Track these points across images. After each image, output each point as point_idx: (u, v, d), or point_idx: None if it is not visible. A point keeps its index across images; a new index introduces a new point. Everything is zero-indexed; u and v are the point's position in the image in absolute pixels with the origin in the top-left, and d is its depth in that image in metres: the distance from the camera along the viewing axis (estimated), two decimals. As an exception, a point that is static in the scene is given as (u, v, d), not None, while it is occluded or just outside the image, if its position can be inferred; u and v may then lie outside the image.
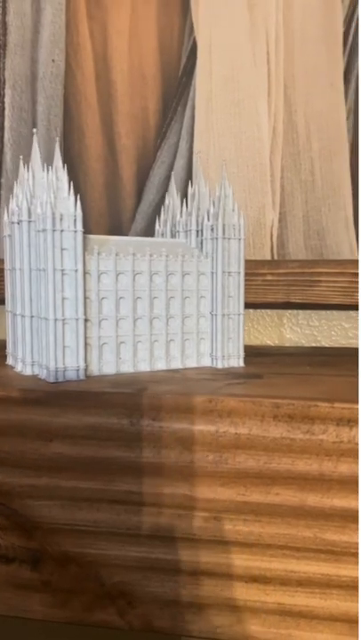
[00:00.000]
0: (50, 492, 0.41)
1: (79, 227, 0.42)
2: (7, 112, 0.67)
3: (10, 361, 0.51)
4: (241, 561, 0.39)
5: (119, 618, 0.41)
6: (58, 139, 0.47)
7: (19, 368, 0.47)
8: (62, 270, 0.42)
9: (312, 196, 0.62)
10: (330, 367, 0.54)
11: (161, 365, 0.48)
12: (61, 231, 0.42)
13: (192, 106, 0.64)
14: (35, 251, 0.45)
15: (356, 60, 0.61)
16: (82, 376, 0.43)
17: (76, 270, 0.43)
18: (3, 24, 0.67)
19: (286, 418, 0.38)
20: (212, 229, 0.49)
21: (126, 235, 0.66)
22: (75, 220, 0.42)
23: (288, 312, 0.64)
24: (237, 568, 0.39)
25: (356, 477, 0.37)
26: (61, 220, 0.42)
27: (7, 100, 0.67)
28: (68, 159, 0.66)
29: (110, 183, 0.66)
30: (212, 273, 0.49)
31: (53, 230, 0.42)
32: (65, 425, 0.41)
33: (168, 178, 0.65)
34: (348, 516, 0.37)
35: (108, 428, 0.41)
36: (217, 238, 0.48)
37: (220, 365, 0.49)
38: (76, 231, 0.42)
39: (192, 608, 0.41)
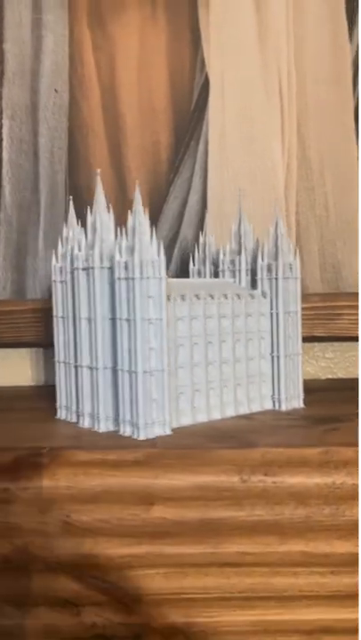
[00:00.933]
0: (152, 560, 0.38)
1: (163, 273, 0.40)
2: (5, 144, 0.63)
3: (64, 415, 0.47)
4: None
5: None
6: (137, 182, 0.44)
7: (87, 424, 0.43)
8: (149, 320, 0.39)
9: (327, 230, 0.63)
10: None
11: (230, 412, 0.46)
12: (147, 278, 0.39)
13: (205, 141, 0.63)
14: (108, 299, 0.42)
15: (365, 100, 0.63)
16: (168, 430, 0.41)
17: (161, 319, 0.40)
18: (1, 51, 0.62)
19: None
20: (268, 269, 0.48)
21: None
22: (159, 267, 0.40)
23: (305, 345, 0.64)
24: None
25: None
26: (146, 266, 0.40)
27: (5, 130, 0.63)
28: (77, 193, 0.63)
29: (122, 219, 0.63)
30: (273, 313, 0.48)
31: (141, 278, 0.39)
32: (168, 487, 0.38)
33: (181, 214, 0.63)
34: None
35: (217, 486, 0.38)
36: (277, 278, 0.47)
37: (283, 408, 0.48)
38: (160, 278, 0.40)
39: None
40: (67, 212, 0.62)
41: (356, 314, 0.61)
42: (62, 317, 0.46)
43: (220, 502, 0.38)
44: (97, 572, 0.38)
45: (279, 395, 0.48)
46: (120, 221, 0.63)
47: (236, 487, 0.38)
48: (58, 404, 0.47)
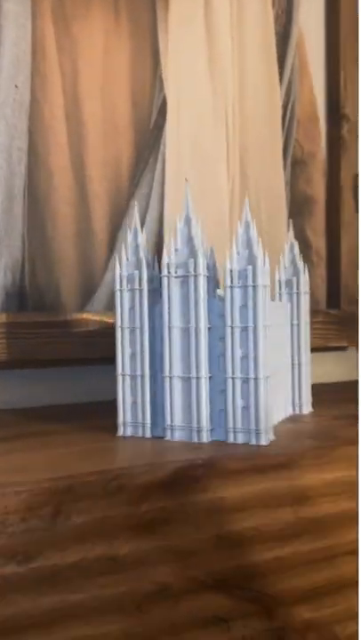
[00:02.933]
0: (291, 560, 0.39)
1: (268, 281, 0.41)
2: None
3: (130, 431, 0.44)
4: None
5: None
6: (246, 197, 0.42)
7: (178, 437, 0.41)
8: (265, 326, 0.40)
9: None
10: None
11: (280, 415, 0.48)
12: (265, 287, 0.40)
13: (163, 159, 0.64)
14: (206, 307, 0.41)
15: (291, 141, 0.71)
16: (272, 436, 0.41)
17: (270, 326, 0.41)
18: None
19: None
20: (288, 284, 0.52)
21: (99, 284, 0.60)
22: (268, 276, 0.41)
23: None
24: None
25: None
26: (264, 275, 0.40)
27: None
28: (34, 199, 0.57)
29: (82, 230, 0.60)
30: (294, 324, 0.52)
31: (264, 286, 0.39)
32: (306, 486, 0.39)
33: (156, 242, 0.63)
34: None
35: (342, 481, 0.40)
36: (298, 293, 0.51)
37: (305, 412, 0.52)
38: (266, 286, 0.41)
39: None
40: (25, 220, 0.57)
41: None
42: (131, 328, 0.43)
43: (343, 495, 0.40)
44: (244, 583, 0.37)
45: (300, 400, 0.52)
46: (82, 231, 0.61)
47: (354, 481, 0.41)
48: (121, 420, 0.43)
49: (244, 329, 0.40)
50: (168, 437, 0.42)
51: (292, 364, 0.52)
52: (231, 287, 0.40)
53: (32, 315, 0.57)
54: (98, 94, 0.61)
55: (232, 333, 0.40)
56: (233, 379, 0.40)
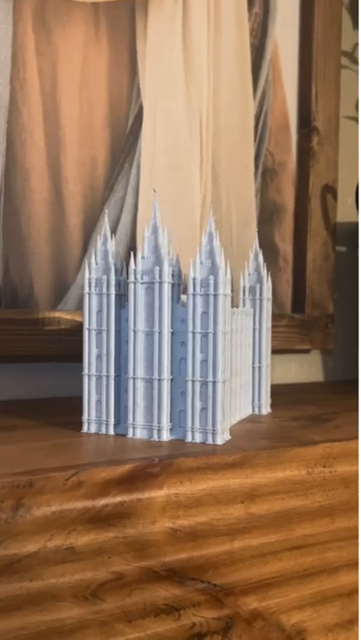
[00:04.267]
0: (241, 554, 0.41)
1: (229, 290, 0.43)
2: None
3: (95, 428, 0.45)
4: None
5: None
6: (211, 208, 0.44)
7: (139, 435, 0.43)
8: (224, 333, 0.42)
9: (230, 257, 0.70)
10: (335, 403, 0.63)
11: (240, 416, 0.50)
12: (225, 296, 0.42)
13: (137, 164, 0.65)
14: (170, 313, 0.43)
15: (262, 150, 0.72)
16: (227, 436, 0.43)
17: (229, 332, 0.43)
18: None
19: None
20: (251, 291, 0.54)
21: (71, 284, 0.62)
22: (229, 286, 0.43)
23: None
24: None
25: None
26: (225, 285, 0.42)
27: None
28: (10, 199, 0.58)
29: (56, 229, 0.61)
30: (255, 329, 0.53)
31: (224, 295, 0.41)
32: (257, 484, 0.41)
33: (114, 230, 0.64)
34: None
35: (291, 480, 0.42)
36: (261, 299, 0.53)
37: (264, 412, 0.54)
38: (230, 295, 0.43)
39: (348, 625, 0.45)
40: (0, 218, 0.58)
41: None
42: (97, 330, 0.44)
43: (292, 494, 0.42)
44: (195, 574, 0.39)
45: (260, 401, 0.54)
46: (56, 230, 0.61)
47: (304, 479, 0.43)
48: (85, 417, 0.45)
49: (205, 335, 0.42)
50: (130, 435, 0.43)
51: (253, 367, 0.54)
52: (193, 295, 0.42)
53: (4, 312, 0.59)
54: (76, 97, 0.62)
55: (193, 338, 0.42)
56: (193, 381, 0.42)
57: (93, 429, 0.45)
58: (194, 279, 0.42)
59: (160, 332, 0.42)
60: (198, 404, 0.42)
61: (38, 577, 0.34)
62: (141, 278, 0.43)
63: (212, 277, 0.41)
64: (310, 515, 0.43)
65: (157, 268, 0.42)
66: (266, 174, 0.73)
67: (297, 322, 0.74)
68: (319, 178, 0.75)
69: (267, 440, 0.45)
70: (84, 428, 0.45)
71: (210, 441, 0.42)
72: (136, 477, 0.37)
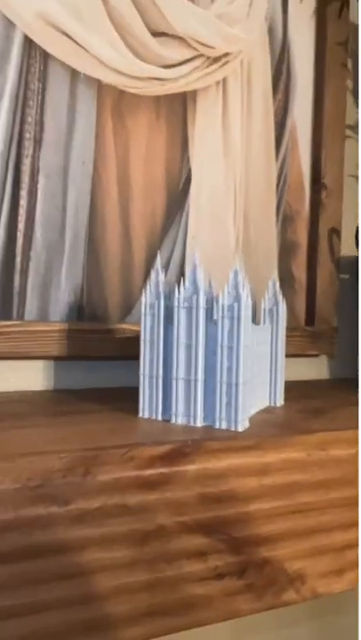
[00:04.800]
0: (255, 515, 0.40)
1: (249, 313, 0.42)
2: (40, 196, 0.57)
3: (147, 414, 0.45)
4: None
5: (296, 594, 0.42)
6: (236, 255, 0.44)
7: (181, 421, 0.43)
8: (245, 346, 0.41)
9: (257, 284, 0.69)
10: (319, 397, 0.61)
11: (258, 407, 0.49)
12: (246, 318, 0.41)
13: (187, 215, 0.65)
14: (205, 330, 0.42)
15: (283, 202, 0.71)
16: (248, 424, 0.43)
17: (248, 346, 0.42)
18: (40, 123, 0.57)
19: None
20: (270, 312, 0.53)
21: (135, 304, 0.62)
22: (250, 310, 0.42)
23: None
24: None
25: None
26: (246, 310, 0.42)
27: (40, 185, 0.57)
28: (93, 244, 0.60)
29: (125, 263, 0.62)
30: (273, 341, 0.53)
31: (245, 317, 0.41)
32: (267, 462, 0.40)
33: (167, 265, 0.64)
34: None
35: (294, 460, 0.41)
36: (278, 319, 0.52)
37: (278, 404, 0.53)
38: (248, 317, 0.42)
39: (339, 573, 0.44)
40: (85, 255, 0.60)
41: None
42: (150, 341, 0.45)
43: (294, 470, 0.41)
44: (221, 528, 0.39)
45: (275, 395, 0.53)
46: (125, 264, 0.62)
47: (305, 459, 0.42)
48: (141, 405, 0.45)
49: (230, 347, 0.41)
50: (173, 421, 0.43)
51: (270, 369, 0.53)
52: (222, 317, 0.42)
53: (87, 324, 0.60)
54: (142, 167, 0.63)
55: (221, 350, 0.42)
56: (220, 383, 0.42)
57: (147, 415, 0.45)
58: (223, 305, 0.42)
59: (196, 345, 0.42)
60: (225, 400, 0.42)
61: (101, 525, 0.35)
62: (183, 304, 0.43)
63: (236, 304, 0.41)
64: (309, 487, 0.42)
65: (195, 297, 0.42)
66: (285, 220, 0.72)
67: (308, 333, 0.72)
68: (326, 223, 0.73)
69: (276, 428, 0.44)
70: (140, 414, 0.46)
71: (233, 428, 0.41)
72: (174, 455, 0.37)
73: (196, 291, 0.43)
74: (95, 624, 0.35)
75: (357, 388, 0.68)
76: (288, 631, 0.78)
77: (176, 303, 0.43)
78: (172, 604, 0.37)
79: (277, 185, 0.71)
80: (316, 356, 0.76)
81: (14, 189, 0.56)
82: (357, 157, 0.77)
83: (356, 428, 0.44)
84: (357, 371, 0.77)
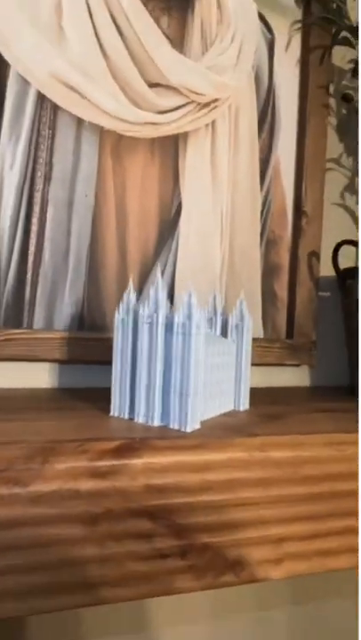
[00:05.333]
0: (198, 506, 0.41)
1: (202, 330, 0.43)
2: (48, 224, 0.61)
3: (117, 413, 0.46)
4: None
5: (236, 578, 0.42)
6: (191, 288, 0.46)
7: (141, 420, 0.44)
8: (196, 359, 0.42)
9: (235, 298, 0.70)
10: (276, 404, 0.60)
11: (219, 411, 0.50)
12: (198, 335, 0.42)
13: (177, 240, 0.67)
14: (164, 343, 0.44)
15: (267, 228, 0.71)
16: (197, 426, 0.44)
17: (201, 359, 0.43)
18: (50, 164, 0.60)
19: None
20: (236, 327, 0.54)
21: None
22: (203, 327, 0.43)
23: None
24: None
25: None
26: (198, 327, 0.43)
27: (49, 215, 0.61)
28: (94, 265, 0.62)
29: (120, 282, 0.64)
30: (239, 351, 0.53)
31: (197, 334, 0.42)
32: (210, 460, 0.41)
33: (169, 292, 0.66)
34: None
35: (236, 459, 0.42)
36: (243, 331, 0.53)
37: (242, 408, 0.53)
38: (198, 334, 0.43)
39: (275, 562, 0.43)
40: (86, 274, 0.62)
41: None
42: (121, 350, 0.46)
43: (236, 468, 0.42)
44: (165, 515, 0.40)
45: (239, 400, 0.53)
46: (120, 282, 0.64)
47: (247, 459, 0.42)
48: (112, 405, 0.47)
49: (183, 359, 0.42)
50: (136, 420, 0.45)
51: (236, 377, 0.53)
52: (177, 333, 0.43)
53: (86, 333, 0.62)
54: (137, 199, 0.65)
55: (175, 362, 0.43)
56: (174, 390, 0.43)
57: (116, 414, 0.47)
58: (177, 323, 0.43)
59: (156, 355, 0.44)
60: (177, 404, 0.43)
61: (56, 506, 0.37)
62: (146, 320, 0.45)
63: (187, 322, 0.42)
64: (250, 484, 0.42)
65: (155, 314, 0.44)
66: (269, 244, 0.72)
67: (288, 345, 0.72)
68: (307, 247, 0.72)
69: (226, 431, 0.44)
70: (111, 412, 0.47)
71: (183, 429, 0.42)
72: (123, 449, 0.38)
73: (156, 309, 0.44)
74: (50, 589, 0.37)
75: (333, 395, 0.67)
76: (268, 613, 0.77)
77: (142, 319, 0.45)
78: (119, 577, 0.38)
79: (262, 213, 0.71)
80: (297, 365, 0.75)
81: (27, 217, 0.60)
82: (338, 186, 0.76)
83: (301, 433, 0.44)
84: (337, 379, 0.76)
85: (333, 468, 0.44)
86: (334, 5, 0.66)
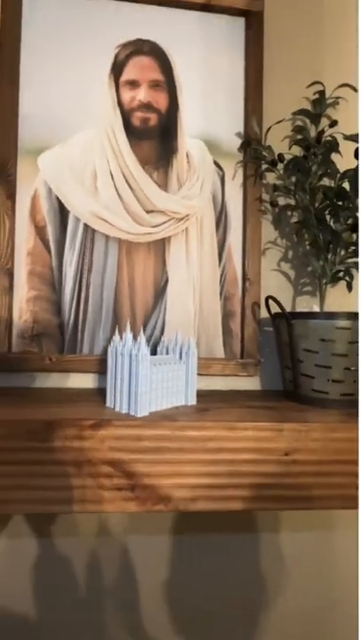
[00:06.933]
0: (140, 461, 0.47)
1: (148, 357, 0.51)
2: (90, 293, 0.73)
3: (111, 405, 0.54)
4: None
5: (165, 507, 0.47)
6: (141, 331, 0.55)
7: (118, 409, 0.53)
8: (144, 374, 0.50)
9: (207, 338, 0.76)
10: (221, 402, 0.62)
11: (172, 404, 0.56)
12: (144, 361, 0.51)
13: (165, 301, 0.75)
14: (128, 364, 0.52)
15: (224, 291, 0.77)
16: (146, 413, 0.51)
17: (148, 374, 0.51)
18: (90, 263, 0.74)
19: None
20: (187, 353, 0.60)
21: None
22: (147, 356, 0.51)
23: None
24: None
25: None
26: (144, 358, 0.51)
27: (90, 289, 0.73)
28: (116, 316, 0.73)
29: (132, 324, 0.74)
30: (187, 368, 0.60)
31: (143, 360, 0.50)
32: (145, 434, 0.48)
33: (154, 328, 0.75)
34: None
35: (162, 434, 0.48)
36: (189, 355, 0.60)
37: (189, 404, 0.59)
38: (144, 359, 0.51)
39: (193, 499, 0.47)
40: (112, 322, 0.73)
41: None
42: (112, 369, 0.56)
43: (163, 440, 0.48)
44: (122, 465, 0.47)
45: (187, 397, 0.59)
46: (132, 324, 0.74)
47: (170, 435, 0.48)
48: (107, 400, 0.56)
49: (135, 375, 0.51)
50: (118, 409, 0.53)
51: (185, 383, 0.59)
52: (130, 356, 0.51)
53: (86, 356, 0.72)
54: (141, 277, 0.75)
55: (130, 376, 0.51)
56: (132, 391, 0.51)
57: (109, 405, 0.56)
58: (134, 354, 0.51)
59: (124, 372, 0.52)
60: (133, 400, 0.51)
61: (56, 455, 0.45)
62: (122, 351, 0.54)
63: (138, 353, 0.51)
64: (172, 450, 0.47)
65: (124, 348, 0.53)
66: (226, 299, 0.77)
67: (240, 363, 0.75)
68: (250, 299, 0.76)
69: (162, 417, 0.50)
70: (106, 404, 0.56)
71: (135, 414, 0.50)
72: (95, 425, 0.47)
73: (125, 345, 0.53)
74: (47, 500, 0.45)
75: (269, 397, 0.68)
76: (179, 537, 0.72)
77: (119, 351, 0.54)
78: (94, 498, 0.46)
79: (220, 280, 0.77)
80: (251, 376, 0.78)
81: (78, 292, 0.73)
82: (275, 259, 0.79)
83: (210, 421, 0.49)
84: (277, 385, 0.77)
85: (229, 444, 0.48)
86: (260, 151, 0.73)
